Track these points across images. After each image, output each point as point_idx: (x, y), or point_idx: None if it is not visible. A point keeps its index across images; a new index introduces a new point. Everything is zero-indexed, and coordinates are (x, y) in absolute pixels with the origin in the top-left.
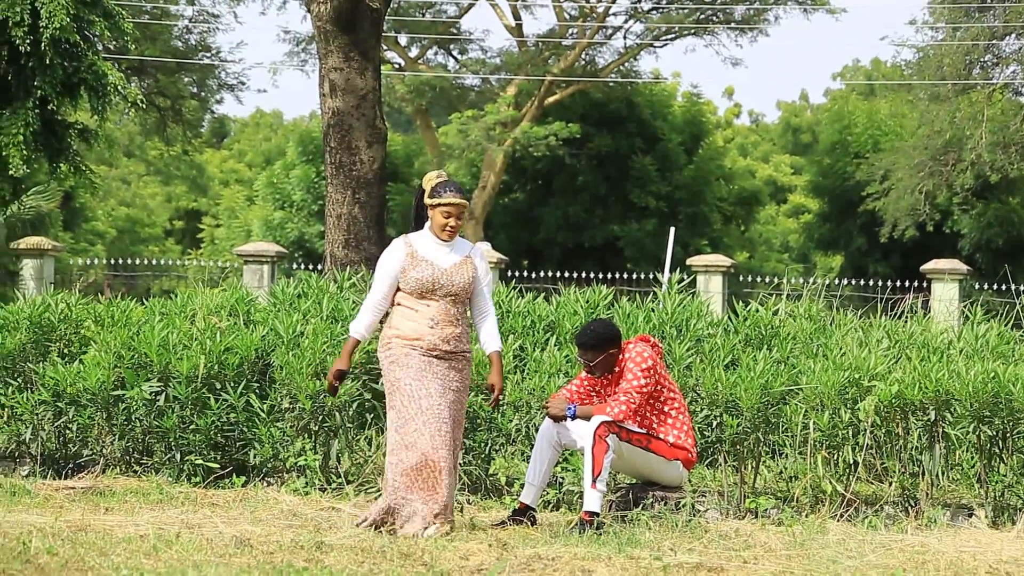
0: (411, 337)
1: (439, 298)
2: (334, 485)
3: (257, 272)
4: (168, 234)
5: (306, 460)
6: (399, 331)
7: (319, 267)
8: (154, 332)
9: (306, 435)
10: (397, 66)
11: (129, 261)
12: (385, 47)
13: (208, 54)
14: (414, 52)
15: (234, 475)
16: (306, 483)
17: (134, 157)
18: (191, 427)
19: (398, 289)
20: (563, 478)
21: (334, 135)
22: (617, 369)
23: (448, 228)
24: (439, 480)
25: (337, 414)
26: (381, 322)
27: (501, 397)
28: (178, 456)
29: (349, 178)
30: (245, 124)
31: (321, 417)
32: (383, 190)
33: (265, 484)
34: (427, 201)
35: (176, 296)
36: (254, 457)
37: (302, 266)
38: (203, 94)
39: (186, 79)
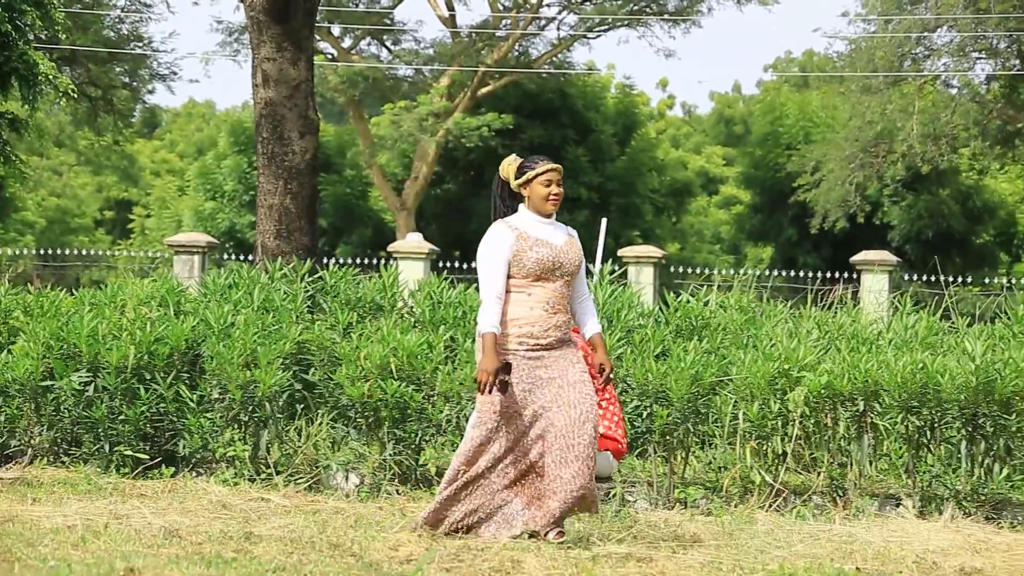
0: (523, 322)
1: (556, 279)
2: (263, 476)
3: (188, 262)
4: (98, 224)
5: (235, 451)
6: (508, 316)
7: (250, 257)
8: (83, 322)
9: (236, 426)
10: (330, 57)
11: (59, 251)
12: (318, 37)
13: (140, 44)
14: (347, 43)
15: (163, 466)
16: (235, 474)
17: (65, 147)
18: (120, 418)
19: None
20: None
21: (266, 125)
22: None
23: (552, 197)
24: (543, 485)
25: (267, 404)
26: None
27: (612, 376)
28: (107, 447)
29: (281, 168)
30: (177, 114)
31: (251, 408)
32: (315, 181)
33: (194, 475)
34: (520, 181)
35: (106, 286)
36: (183, 448)
37: (233, 256)
38: (135, 84)
39: (118, 69)
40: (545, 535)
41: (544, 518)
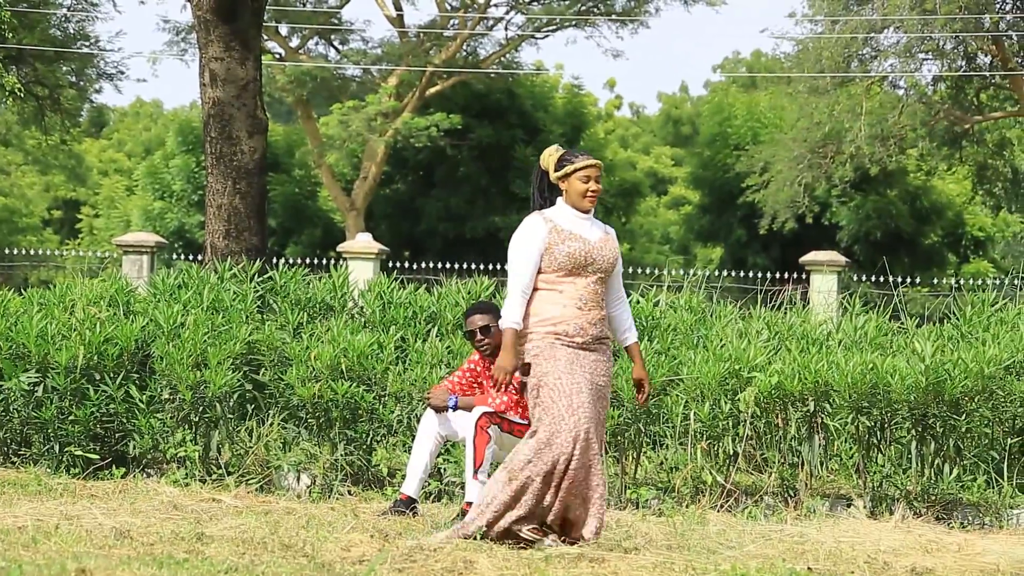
0: (555, 321)
1: (589, 275)
2: (214, 476)
3: (136, 262)
4: (46, 224)
5: (186, 451)
6: (540, 316)
7: (199, 257)
8: (32, 322)
9: (186, 426)
10: (278, 56)
11: (6, 251)
12: (266, 37)
13: (87, 43)
14: (295, 42)
15: (113, 466)
16: (186, 474)
17: (12, 146)
18: (70, 418)
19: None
20: (445, 469)
21: (214, 125)
22: None
23: (590, 193)
24: (587, 492)
25: (218, 405)
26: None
27: (651, 392)
28: (57, 447)
29: (230, 168)
30: (124, 114)
31: (201, 408)
32: (264, 180)
33: (145, 475)
34: (558, 174)
35: (55, 286)
36: (134, 448)
37: (182, 256)
38: (82, 83)
39: (65, 68)
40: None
41: (578, 530)
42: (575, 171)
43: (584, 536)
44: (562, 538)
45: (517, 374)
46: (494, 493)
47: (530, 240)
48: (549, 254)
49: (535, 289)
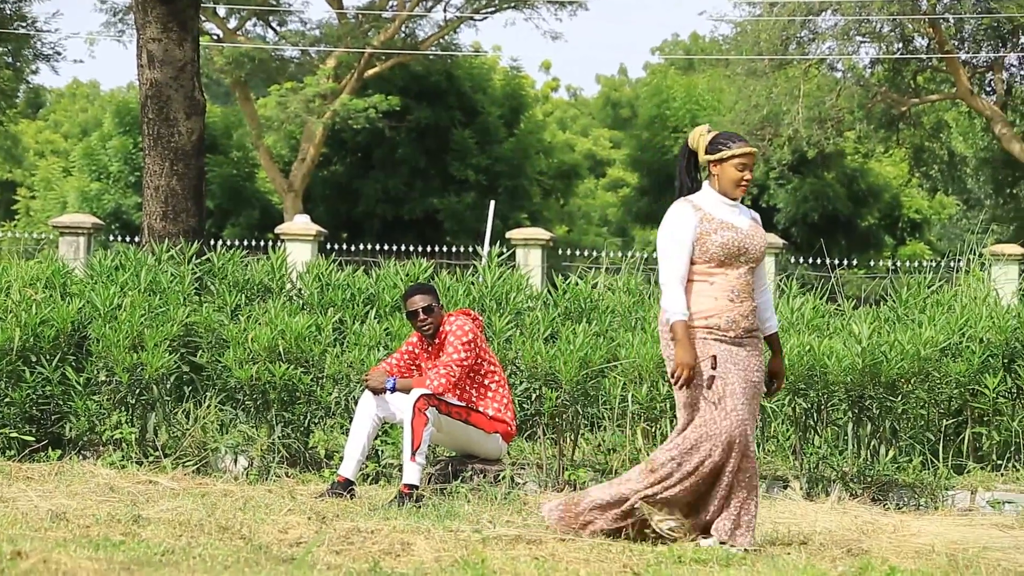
0: (707, 314)
1: (740, 265)
2: (151, 458)
3: (73, 244)
4: None
5: (123, 433)
6: (691, 309)
7: (136, 239)
8: None
9: (123, 408)
10: (216, 37)
11: None
12: (204, 18)
13: (23, 24)
14: (233, 23)
15: (49, 448)
16: (123, 456)
17: None
18: (5, 400)
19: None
20: (382, 451)
21: (152, 106)
22: (438, 341)
23: (744, 182)
24: (730, 496)
25: (154, 387)
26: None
27: (781, 386)
28: None
29: (167, 150)
30: (61, 95)
31: (138, 390)
32: (202, 162)
33: (81, 458)
34: (710, 158)
35: None
36: (70, 430)
37: (119, 238)
38: (18, 64)
39: (0, 49)
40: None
41: (729, 533)
42: (731, 157)
43: (718, 536)
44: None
45: (707, 367)
46: (628, 477)
47: (682, 228)
48: (700, 244)
49: (687, 280)
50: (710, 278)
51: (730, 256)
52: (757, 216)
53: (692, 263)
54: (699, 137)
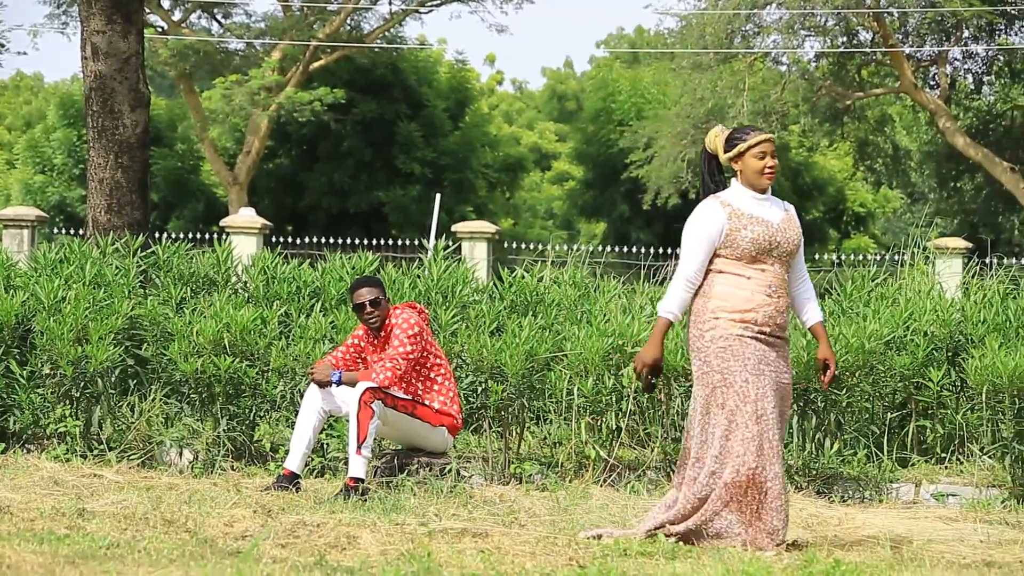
0: (743, 309)
1: (774, 260)
2: (96, 452)
3: (17, 236)
4: None
5: (67, 427)
6: (726, 303)
7: (81, 232)
8: None
9: (67, 401)
10: (160, 30)
11: None
12: (148, 10)
13: None
14: (178, 15)
15: None
16: (67, 450)
17: None
18: None
19: (714, 256)
20: (328, 444)
21: (96, 99)
22: (383, 334)
23: (768, 170)
24: (764, 502)
25: (99, 380)
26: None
27: (836, 372)
28: None
29: (112, 142)
30: (4, 87)
31: (82, 383)
32: (147, 155)
33: (25, 451)
34: (730, 154)
35: None
36: (14, 424)
37: (63, 231)
38: None
39: None
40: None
41: (769, 539)
42: (749, 148)
43: (762, 541)
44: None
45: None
46: (675, 498)
47: (706, 227)
48: (731, 241)
49: (720, 272)
50: (746, 273)
51: (761, 251)
52: (791, 208)
53: (725, 259)
54: (715, 139)
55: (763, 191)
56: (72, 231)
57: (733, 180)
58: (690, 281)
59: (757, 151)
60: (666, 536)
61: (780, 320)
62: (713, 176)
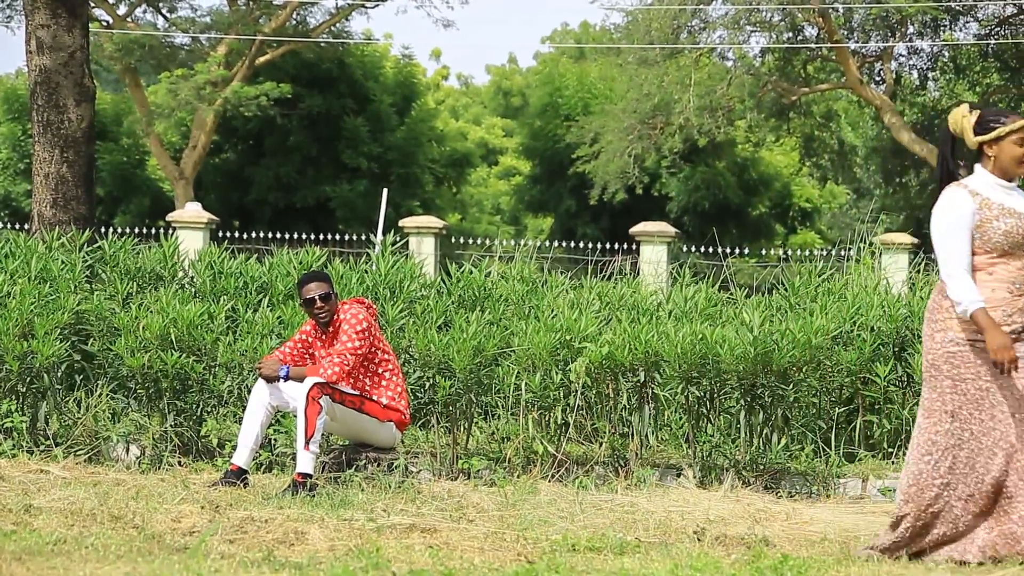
0: (987, 307)
1: (1023, 255)
2: (42, 447)
3: None
4: None
5: (13, 422)
6: None
7: (26, 227)
8: None
9: (13, 396)
10: (105, 24)
11: None
12: (93, 4)
13: None
14: (123, 9)
15: None
16: (13, 445)
17: None
18: None
19: None
20: (276, 440)
21: (41, 93)
22: (332, 330)
23: None
24: (1010, 507)
25: (45, 375)
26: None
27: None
28: None
29: (57, 137)
30: None
31: (28, 378)
32: (92, 149)
33: None
34: (983, 138)
35: None
36: None
37: (8, 225)
38: None
39: None
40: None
41: (1009, 545)
42: (1009, 133)
43: (1004, 549)
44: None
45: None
46: (904, 512)
47: (960, 216)
48: (981, 232)
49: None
50: (989, 268)
51: (1014, 245)
52: None
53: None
54: (962, 119)
55: (1011, 180)
56: (17, 226)
57: (977, 166)
58: (968, 270)
59: (1017, 137)
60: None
61: (1022, 319)
62: (953, 159)
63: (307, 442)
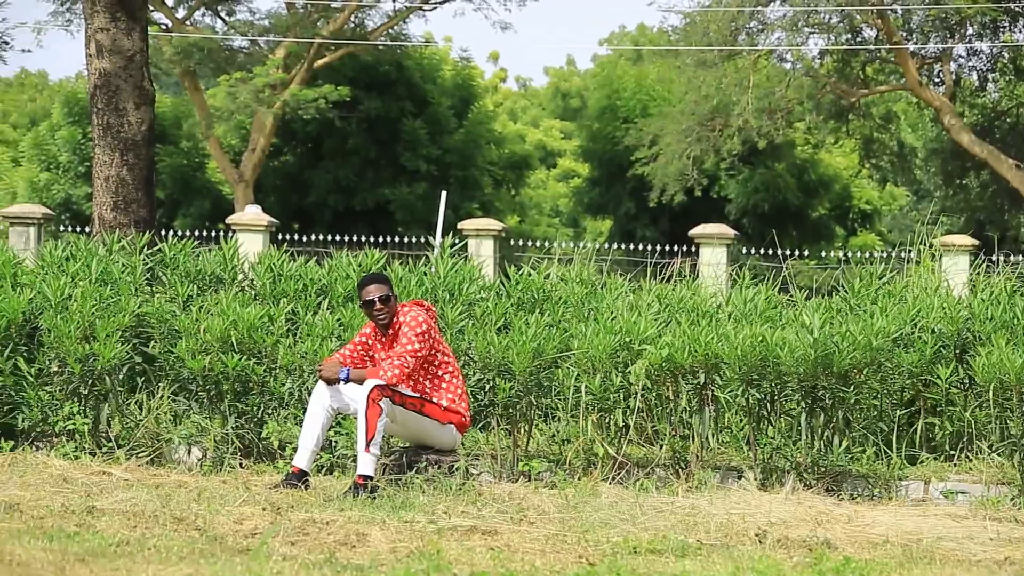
0: None
1: None
2: (105, 449)
3: (23, 234)
4: None
5: (75, 424)
6: None
7: (87, 230)
8: None
9: (75, 399)
10: (164, 27)
11: None
12: (152, 8)
13: None
14: (181, 13)
15: (2, 439)
16: (76, 447)
17: None
18: None
19: None
20: (336, 442)
21: (101, 96)
22: (392, 332)
23: None
24: None
25: (107, 378)
26: None
27: None
28: None
29: (117, 140)
30: (9, 84)
31: (90, 381)
32: (151, 152)
33: (34, 448)
34: None
35: None
36: (22, 421)
37: (69, 228)
38: None
39: None
40: None
41: None
42: None
43: None
44: None
45: None
46: None
47: None
48: None
49: None
50: None
51: None
52: None
53: None
54: None
55: None
56: (78, 229)
57: None
58: None
59: None
60: None
61: None
62: None
63: (367, 444)
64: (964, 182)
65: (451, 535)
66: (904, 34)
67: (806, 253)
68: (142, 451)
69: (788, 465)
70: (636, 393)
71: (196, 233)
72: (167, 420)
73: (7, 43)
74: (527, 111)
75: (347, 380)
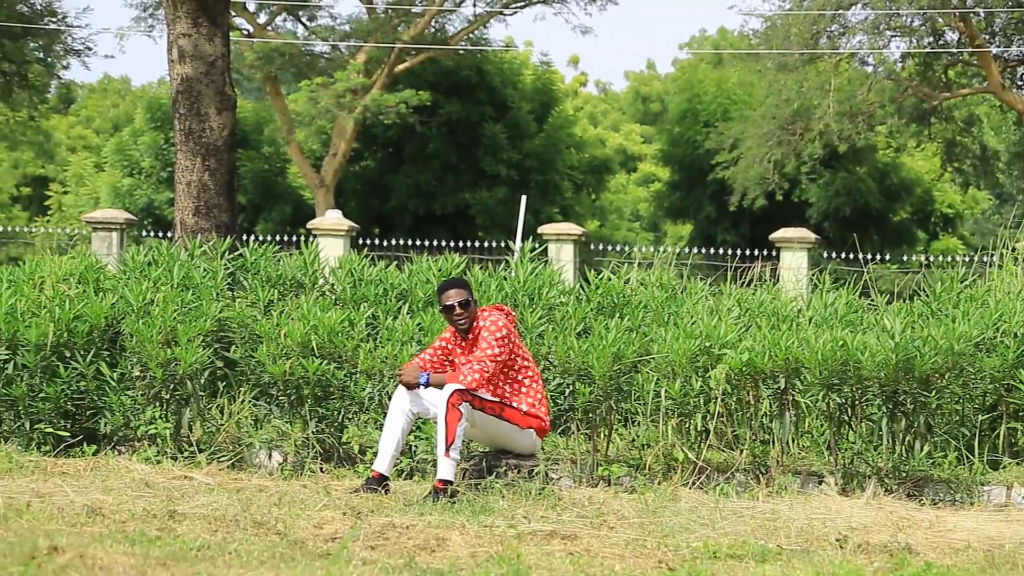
0: None
1: None
2: (186, 454)
3: (106, 239)
4: (15, 201)
5: (157, 429)
6: None
7: (169, 234)
8: (2, 300)
9: (157, 403)
10: (246, 32)
11: None
12: (233, 13)
13: (54, 19)
14: (263, 18)
15: (85, 444)
16: (158, 452)
17: None
18: (40, 395)
19: None
20: (416, 446)
21: (183, 102)
22: (471, 336)
23: None
24: None
25: (188, 382)
26: None
27: None
28: (27, 425)
29: (199, 145)
30: (92, 90)
31: (172, 385)
32: (233, 157)
33: (116, 453)
34: None
35: (24, 264)
36: (105, 425)
37: (152, 233)
38: (49, 59)
39: (32, 44)
40: None
41: None
42: None
43: None
44: None
45: None
46: None
47: None
48: None
49: None
50: None
51: None
52: None
53: None
54: None
55: None
56: (160, 234)
57: None
58: None
59: None
60: None
61: None
62: None
63: (447, 449)
64: None
65: (531, 540)
66: (987, 37)
67: (887, 257)
68: (223, 455)
69: (869, 470)
70: (716, 398)
71: (277, 238)
72: (248, 424)
73: (90, 49)
74: (607, 115)
75: (427, 384)
